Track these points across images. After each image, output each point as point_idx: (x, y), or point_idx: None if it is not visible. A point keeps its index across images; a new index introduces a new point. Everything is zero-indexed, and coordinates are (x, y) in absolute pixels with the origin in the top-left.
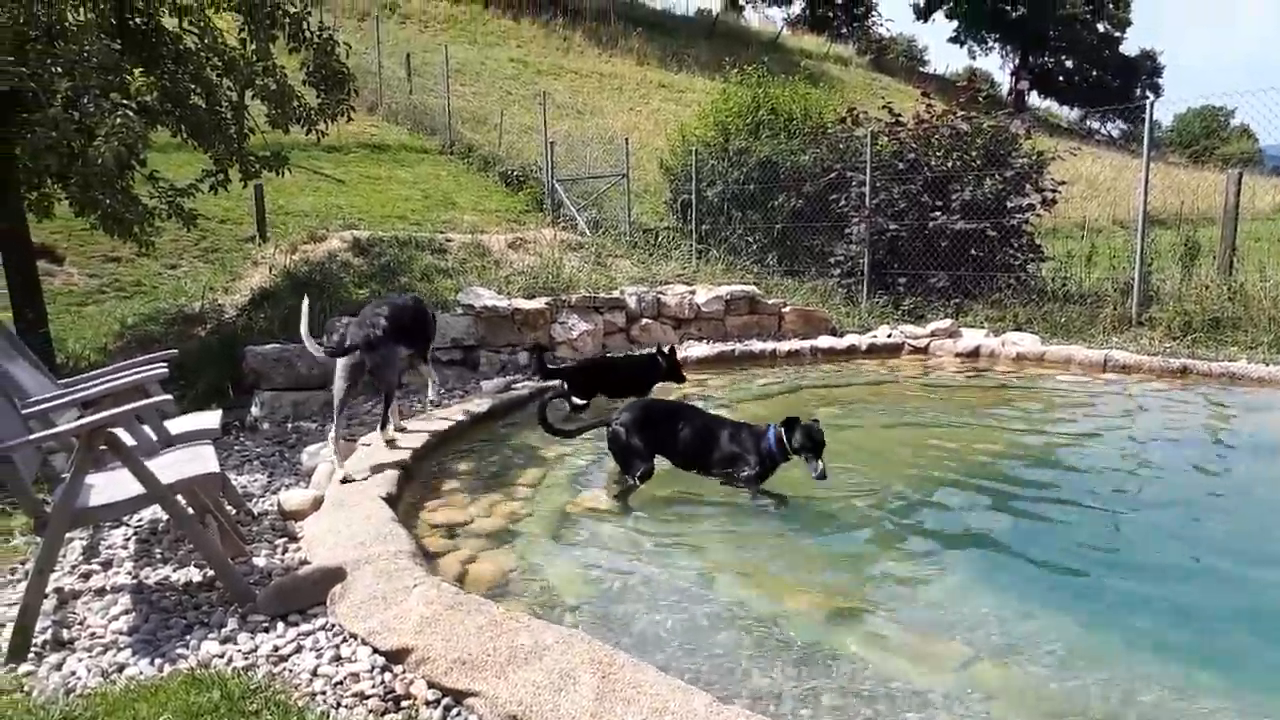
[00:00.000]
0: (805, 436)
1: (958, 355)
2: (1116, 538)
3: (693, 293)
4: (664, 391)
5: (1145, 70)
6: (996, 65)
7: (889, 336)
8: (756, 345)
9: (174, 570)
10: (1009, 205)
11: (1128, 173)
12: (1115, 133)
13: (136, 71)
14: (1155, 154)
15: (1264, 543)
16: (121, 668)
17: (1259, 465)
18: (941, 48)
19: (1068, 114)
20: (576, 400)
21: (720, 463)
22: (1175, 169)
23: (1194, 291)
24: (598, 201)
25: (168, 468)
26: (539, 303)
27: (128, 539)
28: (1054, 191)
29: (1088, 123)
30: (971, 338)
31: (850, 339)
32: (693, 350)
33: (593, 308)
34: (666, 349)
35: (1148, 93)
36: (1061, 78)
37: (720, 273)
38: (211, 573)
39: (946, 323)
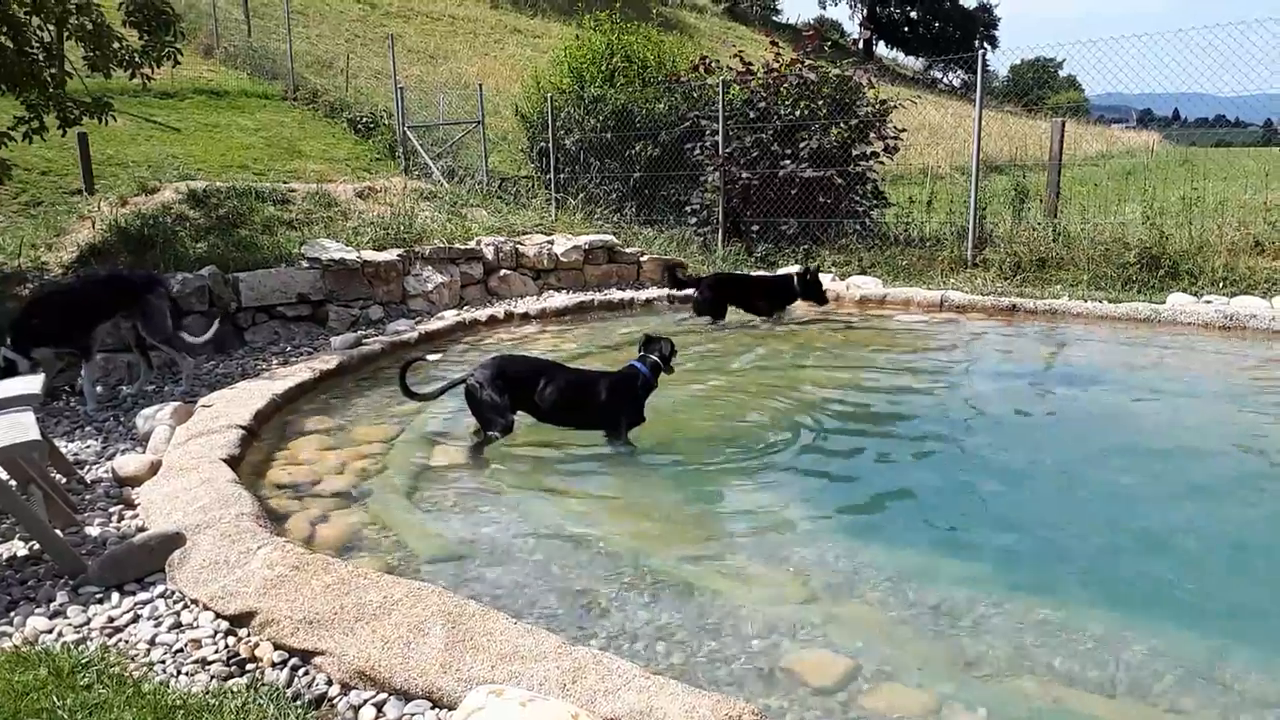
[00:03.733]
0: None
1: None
2: (949, 468)
3: (551, 243)
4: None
5: (982, 22)
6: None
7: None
8: (616, 294)
9: None
10: (854, 153)
11: (968, 121)
12: (957, 82)
13: None
14: (992, 103)
15: (1078, 462)
16: None
17: (1073, 393)
18: None
19: (913, 64)
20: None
21: (586, 417)
22: (1011, 118)
23: (1023, 234)
24: (453, 150)
25: None
26: (391, 255)
27: None
28: (896, 139)
29: (931, 73)
30: None
31: None
32: (552, 300)
33: (448, 259)
34: (808, 271)
35: (984, 44)
36: (906, 28)
37: (579, 222)
38: (38, 545)
39: (795, 268)
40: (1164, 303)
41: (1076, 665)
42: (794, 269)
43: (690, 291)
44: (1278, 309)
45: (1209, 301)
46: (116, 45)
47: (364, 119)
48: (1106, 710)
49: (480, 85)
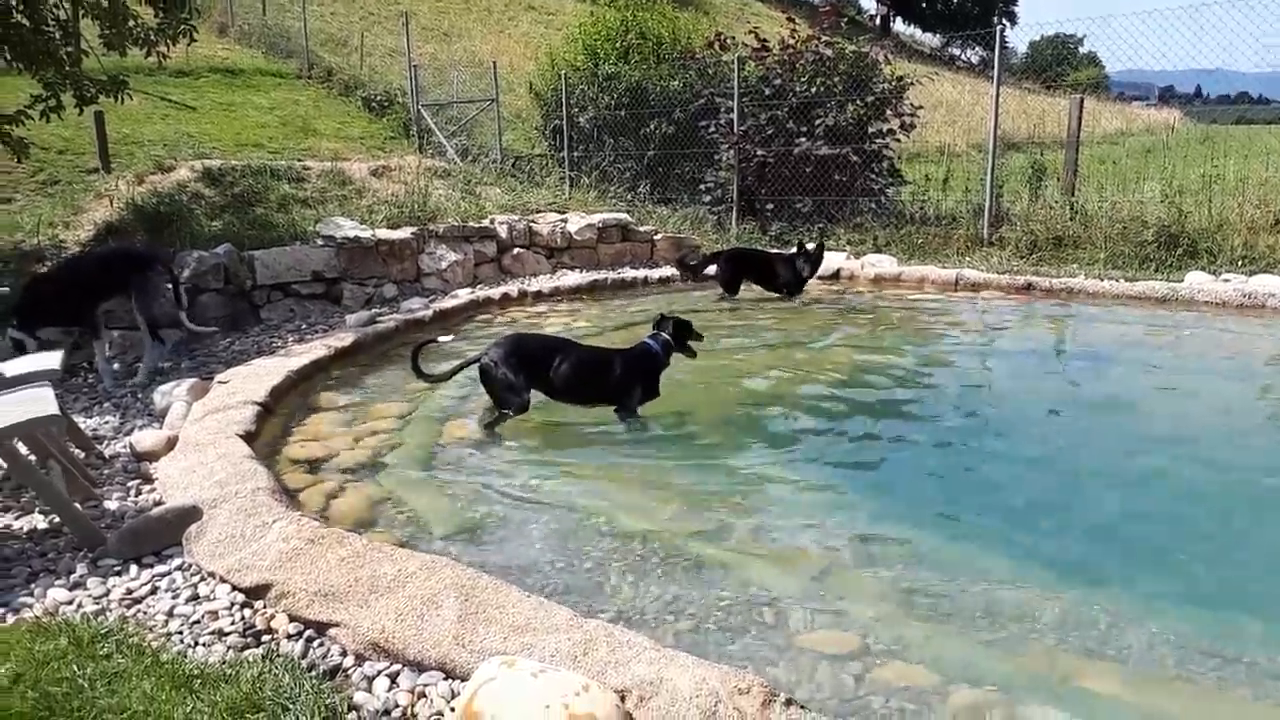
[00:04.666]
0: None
1: (820, 277)
2: (960, 448)
3: (565, 221)
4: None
5: None
6: None
7: None
8: (629, 273)
9: (16, 518)
10: (870, 130)
11: (985, 99)
12: (975, 59)
13: None
14: (1010, 80)
15: (1089, 443)
16: None
17: (1086, 373)
18: None
19: (930, 40)
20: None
21: (598, 393)
22: (1029, 95)
23: (1040, 212)
24: (467, 128)
25: (2, 412)
26: (405, 233)
27: None
28: (912, 116)
29: (949, 49)
30: (833, 260)
31: None
32: (566, 279)
33: (462, 237)
34: (813, 246)
35: (1003, 20)
36: (924, 4)
37: (593, 200)
38: (57, 519)
39: (809, 246)
40: (1182, 281)
41: (1086, 642)
42: (809, 245)
43: (712, 270)
44: None
45: (1227, 280)
46: (132, 23)
47: (378, 97)
48: (1114, 683)
49: (494, 63)
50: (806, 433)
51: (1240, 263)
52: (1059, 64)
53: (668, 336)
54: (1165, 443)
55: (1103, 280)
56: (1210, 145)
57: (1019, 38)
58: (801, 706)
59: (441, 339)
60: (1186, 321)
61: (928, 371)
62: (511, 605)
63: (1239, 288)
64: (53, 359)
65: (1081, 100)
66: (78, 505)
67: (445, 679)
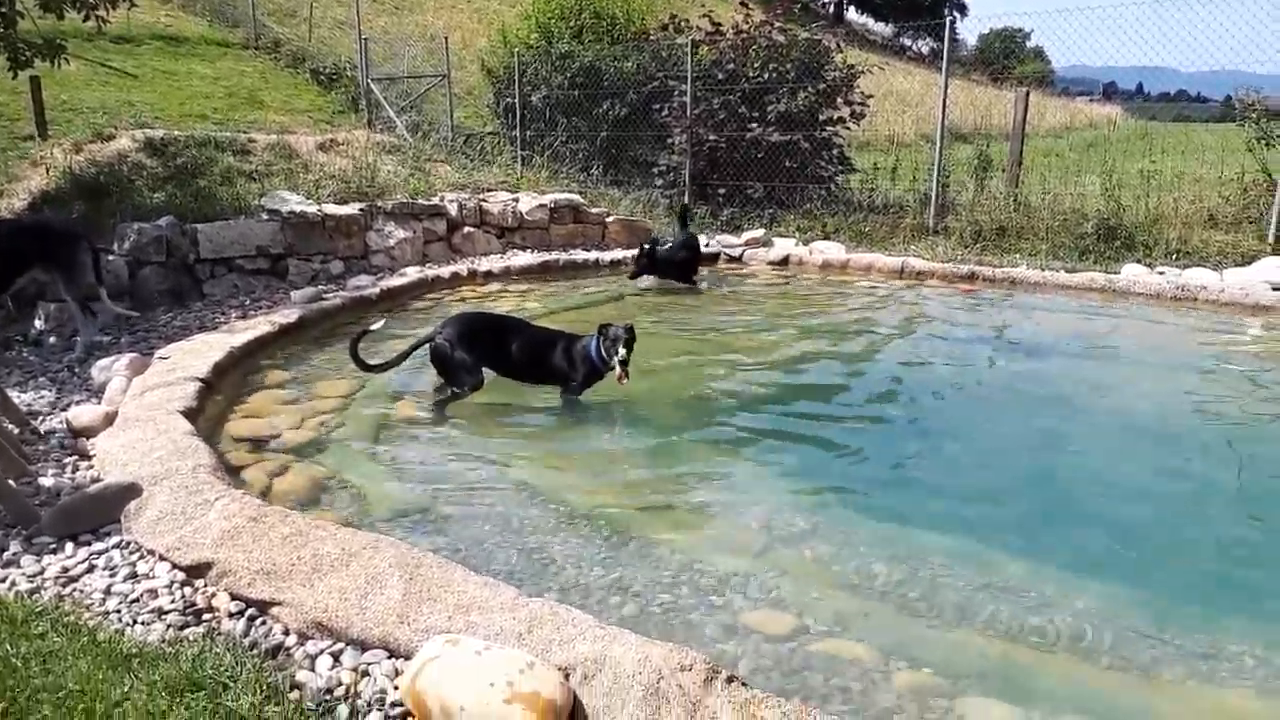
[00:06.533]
0: (610, 338)
1: (769, 263)
2: (900, 432)
3: (516, 201)
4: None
5: None
6: None
7: (706, 246)
8: (580, 254)
9: None
10: (821, 118)
11: (935, 89)
12: (926, 50)
13: None
14: (959, 72)
15: (1026, 428)
16: None
17: (1025, 360)
18: None
19: (883, 30)
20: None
21: (547, 373)
22: (977, 87)
23: (984, 203)
24: (418, 104)
25: None
26: (352, 208)
27: None
28: (862, 105)
29: (900, 39)
30: (782, 247)
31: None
32: (516, 259)
33: (411, 214)
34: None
35: (953, 12)
36: None
37: (545, 180)
38: None
39: (759, 232)
40: (1119, 273)
41: (1022, 622)
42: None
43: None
44: (1228, 281)
45: (1162, 273)
46: None
47: (327, 70)
48: (1050, 663)
49: (446, 38)
50: (751, 416)
51: (1174, 256)
52: (1007, 57)
53: (605, 345)
54: (1097, 430)
55: (1044, 271)
56: (1149, 141)
57: (969, 29)
58: (743, 683)
59: (373, 326)
60: (1122, 311)
61: (872, 358)
62: (456, 584)
63: (1173, 280)
64: None
65: (1027, 94)
66: (11, 482)
67: (389, 658)
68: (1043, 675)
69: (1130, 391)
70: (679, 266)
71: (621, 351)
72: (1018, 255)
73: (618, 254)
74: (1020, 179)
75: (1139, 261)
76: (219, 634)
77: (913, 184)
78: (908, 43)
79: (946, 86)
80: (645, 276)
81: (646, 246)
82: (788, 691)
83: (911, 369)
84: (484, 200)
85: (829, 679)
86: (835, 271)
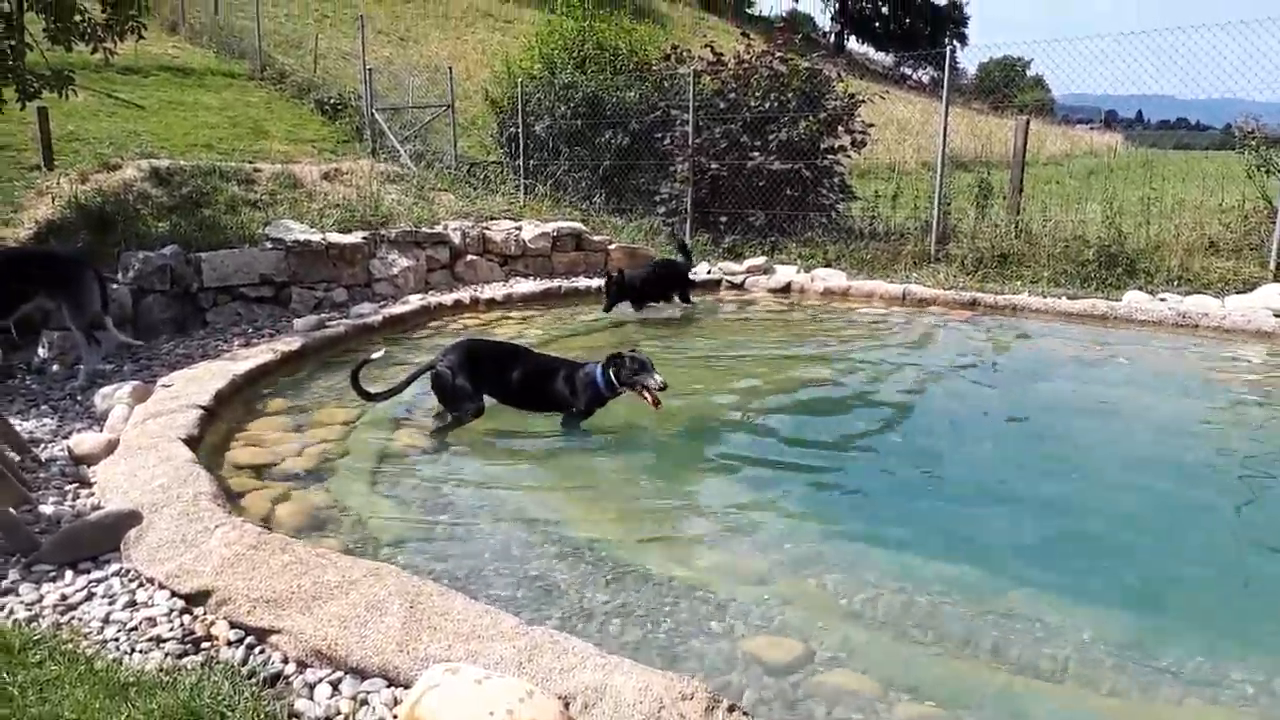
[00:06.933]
0: (632, 367)
1: (771, 290)
2: (902, 460)
3: (519, 229)
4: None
5: (952, 19)
6: (819, 9)
7: (708, 273)
8: (582, 282)
9: None
10: (822, 147)
11: (936, 118)
12: (926, 79)
13: None
14: (959, 101)
15: (1028, 456)
16: None
17: (1028, 387)
18: None
19: (883, 59)
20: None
21: (549, 401)
22: (978, 115)
23: (985, 230)
24: (421, 133)
25: None
26: (356, 237)
27: None
28: (863, 134)
29: (901, 68)
30: (784, 274)
31: None
32: (519, 286)
33: (414, 243)
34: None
35: (953, 41)
36: (877, 24)
37: (547, 209)
38: None
39: (761, 260)
40: (1120, 300)
41: (1023, 651)
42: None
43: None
44: (1229, 308)
45: (1164, 299)
46: (79, 17)
47: (332, 100)
48: (1051, 692)
49: (450, 69)
50: (753, 444)
51: (1176, 283)
52: (1007, 85)
53: (611, 374)
54: (1100, 458)
55: (1045, 297)
56: (1150, 168)
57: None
58: (745, 713)
59: (374, 355)
60: (1124, 338)
61: (874, 386)
62: (456, 612)
63: (1174, 307)
64: None
65: (1028, 122)
66: (11, 510)
67: (388, 686)
68: (1043, 704)
69: (1133, 418)
70: (646, 289)
71: (657, 379)
72: (1019, 282)
73: None
74: (1021, 206)
75: (1140, 288)
76: (217, 662)
77: (914, 211)
78: (908, 71)
79: (947, 114)
80: (619, 304)
81: (614, 274)
82: None
83: (912, 397)
84: (487, 228)
85: (830, 710)
86: (837, 298)
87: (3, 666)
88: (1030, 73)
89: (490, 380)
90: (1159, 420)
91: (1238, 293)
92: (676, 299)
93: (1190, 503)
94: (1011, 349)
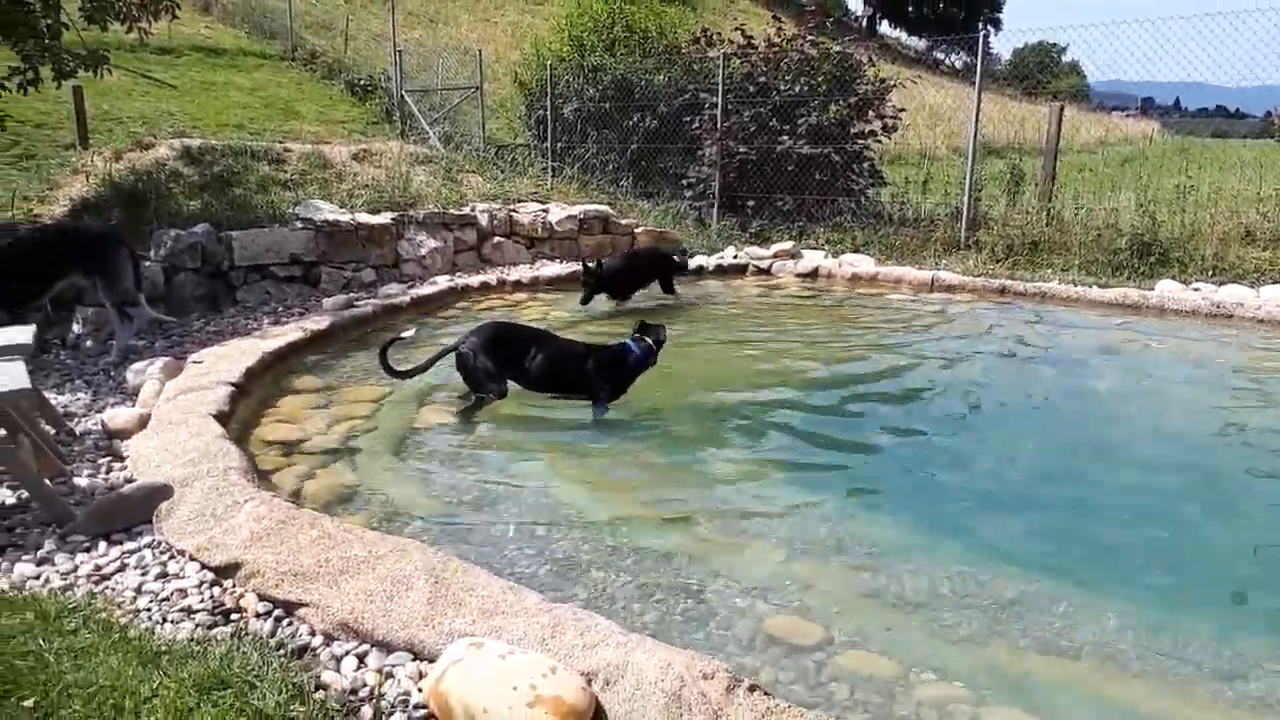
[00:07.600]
0: (657, 332)
1: (798, 275)
2: (928, 446)
3: (546, 212)
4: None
5: (987, 4)
6: None
7: (735, 258)
8: None
9: None
10: (852, 131)
11: (967, 103)
12: (959, 64)
13: None
14: (992, 86)
15: (1054, 444)
16: None
17: (1056, 375)
18: None
19: (915, 44)
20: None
21: (571, 385)
22: (1011, 101)
23: (1016, 217)
24: (450, 115)
25: None
26: (385, 218)
27: None
28: (894, 119)
29: (934, 53)
30: (811, 259)
31: (698, 260)
32: (545, 269)
33: (442, 224)
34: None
35: (987, 26)
36: (910, 7)
37: (574, 192)
38: (26, 494)
39: (788, 244)
40: (1153, 289)
41: (1047, 636)
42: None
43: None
44: (1264, 298)
45: (1197, 289)
46: None
47: (362, 81)
48: (1075, 677)
49: (480, 50)
50: (776, 427)
51: (1210, 272)
52: (1041, 71)
53: (650, 342)
54: (1126, 446)
55: (1076, 286)
56: (1186, 157)
57: (1003, 44)
58: (765, 693)
59: (405, 334)
60: (1155, 328)
61: (899, 371)
62: (481, 588)
63: (1208, 297)
64: (25, 333)
65: (1061, 108)
66: (47, 481)
67: (413, 660)
68: (1067, 689)
69: (1164, 408)
70: (624, 280)
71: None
72: (1050, 270)
73: None
74: (1053, 194)
75: (1174, 278)
76: (246, 634)
77: (944, 198)
78: (941, 56)
79: (980, 100)
80: (597, 296)
81: (591, 265)
82: (809, 702)
83: (939, 382)
84: (514, 211)
85: (851, 691)
86: (864, 284)
87: (39, 633)
88: (1066, 58)
89: (513, 363)
90: (1190, 408)
91: (1273, 283)
92: (659, 288)
93: (1220, 491)
94: (1040, 337)
